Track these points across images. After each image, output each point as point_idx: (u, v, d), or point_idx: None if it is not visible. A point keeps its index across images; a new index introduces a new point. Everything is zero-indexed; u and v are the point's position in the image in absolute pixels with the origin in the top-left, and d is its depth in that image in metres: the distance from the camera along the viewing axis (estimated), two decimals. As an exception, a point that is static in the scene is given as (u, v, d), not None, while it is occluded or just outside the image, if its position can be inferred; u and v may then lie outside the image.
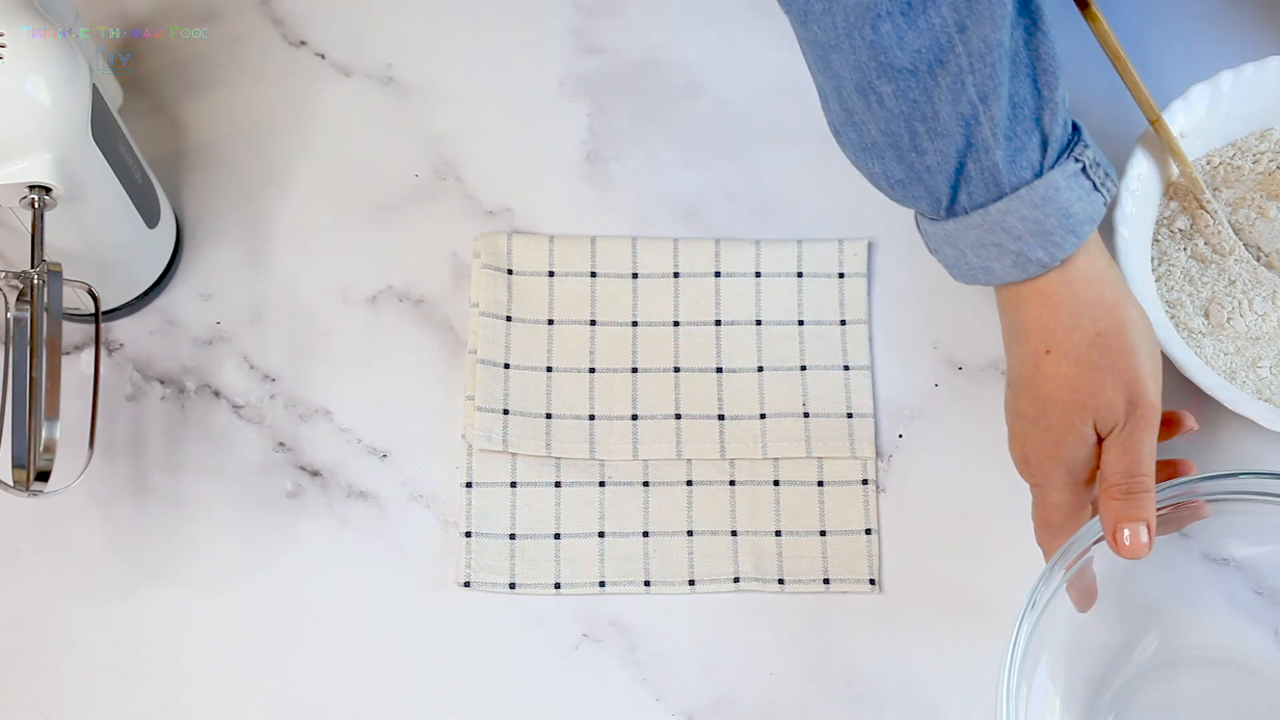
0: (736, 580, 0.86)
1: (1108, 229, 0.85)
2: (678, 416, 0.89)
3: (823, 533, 0.87)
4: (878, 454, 0.88)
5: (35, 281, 0.78)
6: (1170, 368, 0.82)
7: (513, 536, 0.86)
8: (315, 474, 0.88)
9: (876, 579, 0.86)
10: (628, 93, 0.97)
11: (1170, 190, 0.91)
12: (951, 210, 0.75)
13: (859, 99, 0.73)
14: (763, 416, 0.89)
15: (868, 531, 0.87)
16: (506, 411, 0.88)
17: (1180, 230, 0.90)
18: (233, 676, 0.84)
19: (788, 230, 0.93)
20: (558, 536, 0.87)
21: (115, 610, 0.85)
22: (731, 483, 0.88)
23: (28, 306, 0.78)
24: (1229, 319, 0.87)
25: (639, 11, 0.99)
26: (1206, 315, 0.88)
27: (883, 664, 0.84)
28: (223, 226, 0.94)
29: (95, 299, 0.85)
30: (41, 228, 0.78)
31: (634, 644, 0.85)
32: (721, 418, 0.89)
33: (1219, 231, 0.89)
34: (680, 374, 0.90)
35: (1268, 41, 0.97)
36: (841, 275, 0.92)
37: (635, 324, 0.91)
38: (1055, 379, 0.75)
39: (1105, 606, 0.79)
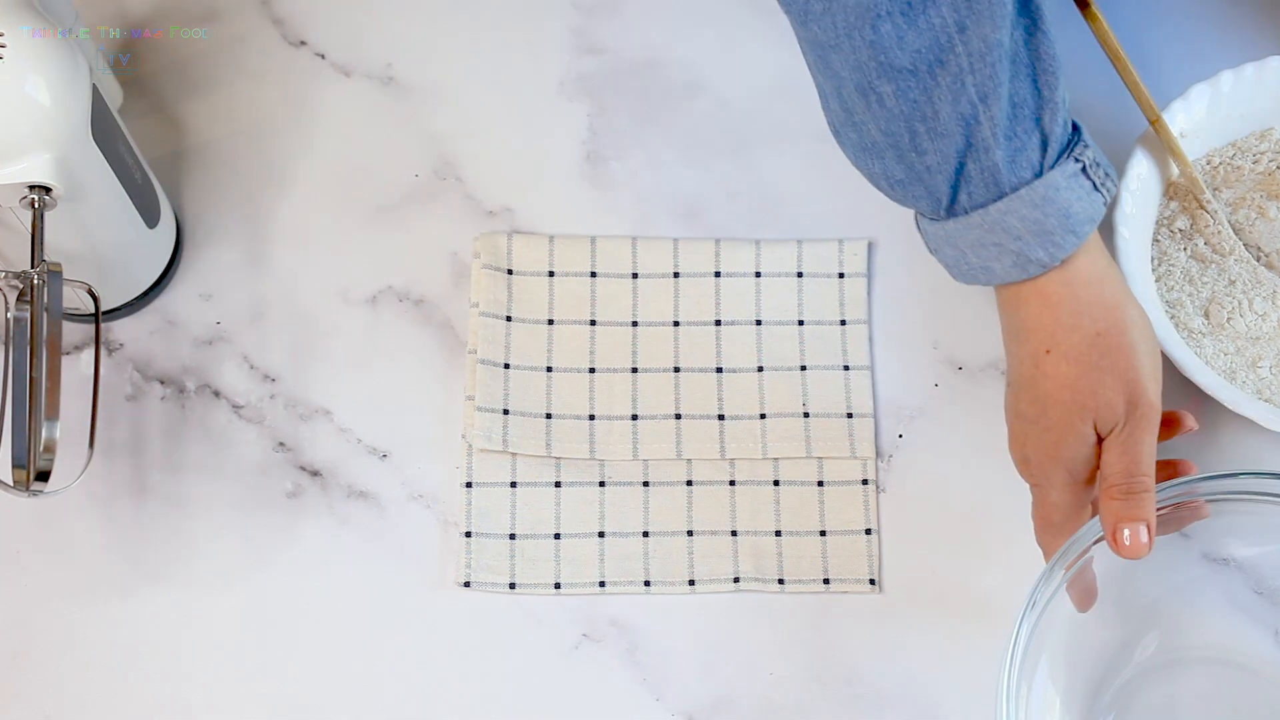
0: (736, 580, 0.86)
1: (1108, 229, 0.85)
2: (678, 416, 0.89)
3: (823, 533, 0.87)
4: (878, 454, 0.88)
5: (35, 281, 0.78)
6: (1170, 368, 0.82)
7: (513, 536, 0.86)
8: (315, 474, 0.88)
9: (876, 579, 0.86)
10: (628, 93, 0.97)
11: (1170, 190, 0.91)
12: (951, 210, 0.75)
13: (859, 99, 0.73)
14: (763, 416, 0.89)
15: (868, 531, 0.87)
16: (506, 411, 0.88)
17: (1180, 230, 0.90)
18: (233, 676, 0.84)
19: (788, 230, 0.93)
20: (558, 536, 0.87)
21: (115, 610, 0.85)
22: (731, 483, 0.88)
23: (28, 306, 0.78)
24: (1229, 319, 0.87)
25: (639, 11, 0.99)
26: (1206, 315, 0.88)
27: (883, 664, 0.84)
28: (223, 226, 0.94)
29: (95, 299, 0.84)
30: (41, 228, 0.78)
31: (634, 644, 0.85)
32: (721, 418, 0.89)
33: (1219, 231, 0.89)
34: (680, 374, 0.90)
35: (1268, 41, 0.97)
36: (841, 275, 0.92)
37: (635, 324, 0.91)
38: (1055, 379, 0.75)
39: (1105, 606, 0.79)
